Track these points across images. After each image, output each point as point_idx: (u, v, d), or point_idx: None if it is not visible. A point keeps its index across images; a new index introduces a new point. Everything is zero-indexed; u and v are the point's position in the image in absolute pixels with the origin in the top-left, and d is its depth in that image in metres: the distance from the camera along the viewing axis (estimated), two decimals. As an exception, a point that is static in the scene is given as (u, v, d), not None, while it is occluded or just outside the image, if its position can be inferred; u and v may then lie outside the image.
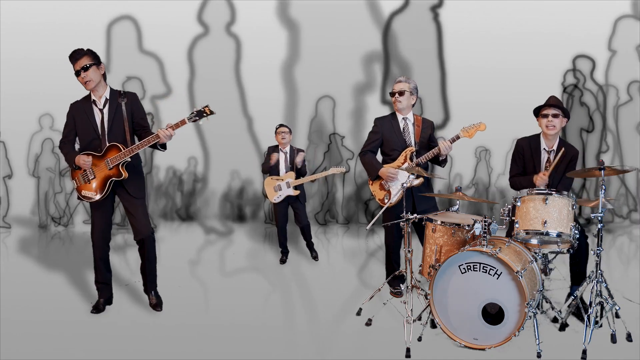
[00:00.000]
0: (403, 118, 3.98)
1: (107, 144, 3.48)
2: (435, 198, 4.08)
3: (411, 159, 3.88)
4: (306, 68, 7.56)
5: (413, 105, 4.00)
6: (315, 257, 5.24)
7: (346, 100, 7.55)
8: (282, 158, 5.11)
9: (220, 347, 3.11)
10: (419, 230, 3.88)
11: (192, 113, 3.43)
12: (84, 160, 3.45)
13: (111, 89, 3.59)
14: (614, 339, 3.10)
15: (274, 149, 5.14)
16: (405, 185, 3.53)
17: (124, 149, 3.44)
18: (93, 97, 3.54)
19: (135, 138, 3.60)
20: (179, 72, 7.62)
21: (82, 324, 3.45)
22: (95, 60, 3.48)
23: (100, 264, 3.67)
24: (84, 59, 3.44)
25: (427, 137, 4.01)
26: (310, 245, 5.27)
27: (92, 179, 3.49)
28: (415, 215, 3.48)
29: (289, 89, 7.63)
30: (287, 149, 5.13)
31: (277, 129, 5.13)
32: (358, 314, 3.59)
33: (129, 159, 3.48)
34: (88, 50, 3.49)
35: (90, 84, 3.47)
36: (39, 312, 3.67)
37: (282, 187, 5.02)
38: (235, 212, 7.66)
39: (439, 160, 3.92)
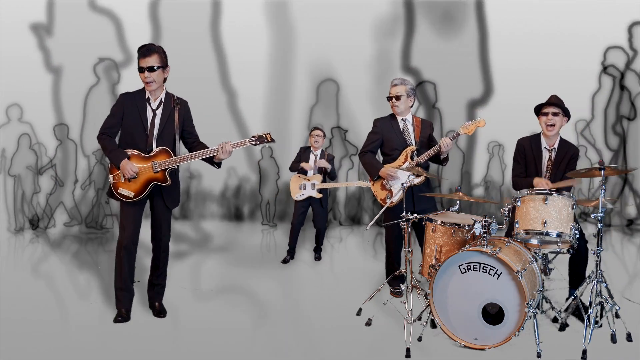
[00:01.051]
0: (402, 119, 4.26)
1: (155, 146, 3.60)
2: (435, 198, 4.33)
3: (412, 158, 4.15)
4: (305, 12, 6.52)
5: (411, 107, 4.27)
6: (317, 258, 5.61)
7: (364, 43, 6.62)
8: (312, 160, 5.57)
9: (220, 346, 3.34)
10: (419, 230, 4.14)
11: (254, 137, 3.66)
12: (130, 168, 3.50)
13: (166, 92, 3.68)
14: (614, 339, 3.35)
15: (306, 149, 5.62)
16: (405, 185, 3.79)
17: (174, 156, 3.59)
18: (148, 95, 3.61)
19: (182, 145, 3.75)
20: (140, 34, 6.73)
21: (81, 324, 3.67)
22: (164, 62, 3.56)
23: (125, 268, 3.68)
24: (152, 58, 3.50)
25: (427, 136, 4.29)
26: (318, 250, 5.69)
27: (133, 179, 3.56)
28: (415, 215, 3.73)
29: (281, 44, 6.62)
30: (319, 152, 5.59)
31: (311, 131, 5.62)
32: (358, 314, 3.85)
33: (176, 167, 3.67)
34: (159, 48, 3.58)
35: (152, 85, 3.54)
36: (36, 312, 3.88)
37: (306, 187, 5.49)
38: (232, 212, 7.89)
39: (440, 159, 4.18)
